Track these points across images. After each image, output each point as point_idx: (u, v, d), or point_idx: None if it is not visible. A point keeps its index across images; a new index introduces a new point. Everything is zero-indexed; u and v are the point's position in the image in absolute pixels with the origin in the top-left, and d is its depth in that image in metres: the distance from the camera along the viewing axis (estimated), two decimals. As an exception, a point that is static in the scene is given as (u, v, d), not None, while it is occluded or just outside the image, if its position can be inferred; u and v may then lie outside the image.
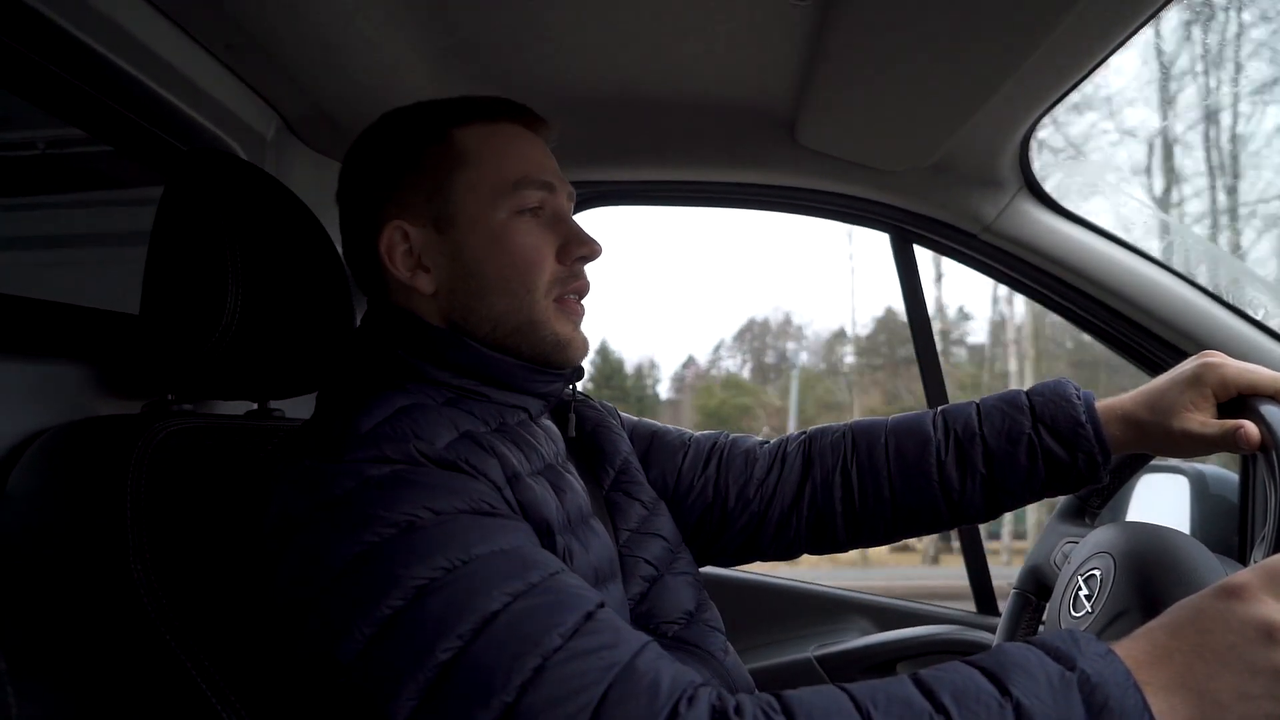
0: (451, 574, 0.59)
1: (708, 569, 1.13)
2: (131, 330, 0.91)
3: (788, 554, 1.04)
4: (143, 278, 0.90)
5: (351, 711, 0.59)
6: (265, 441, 0.88)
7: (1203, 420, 0.86)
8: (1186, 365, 0.89)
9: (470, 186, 0.81)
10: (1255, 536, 1.17)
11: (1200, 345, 1.26)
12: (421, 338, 0.80)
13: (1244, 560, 1.10)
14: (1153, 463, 1.34)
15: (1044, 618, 1.03)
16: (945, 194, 1.38)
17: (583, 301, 0.87)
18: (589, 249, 0.84)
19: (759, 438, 1.07)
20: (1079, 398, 0.92)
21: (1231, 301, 1.28)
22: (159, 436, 0.77)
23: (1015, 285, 1.43)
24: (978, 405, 0.97)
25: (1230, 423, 0.83)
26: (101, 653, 0.72)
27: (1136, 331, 1.34)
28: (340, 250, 0.93)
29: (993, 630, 1.15)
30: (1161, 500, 1.38)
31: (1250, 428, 0.81)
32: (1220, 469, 1.35)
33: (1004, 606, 1.16)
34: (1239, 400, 0.85)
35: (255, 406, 1.02)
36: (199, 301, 0.83)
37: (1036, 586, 1.10)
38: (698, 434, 1.07)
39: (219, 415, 0.94)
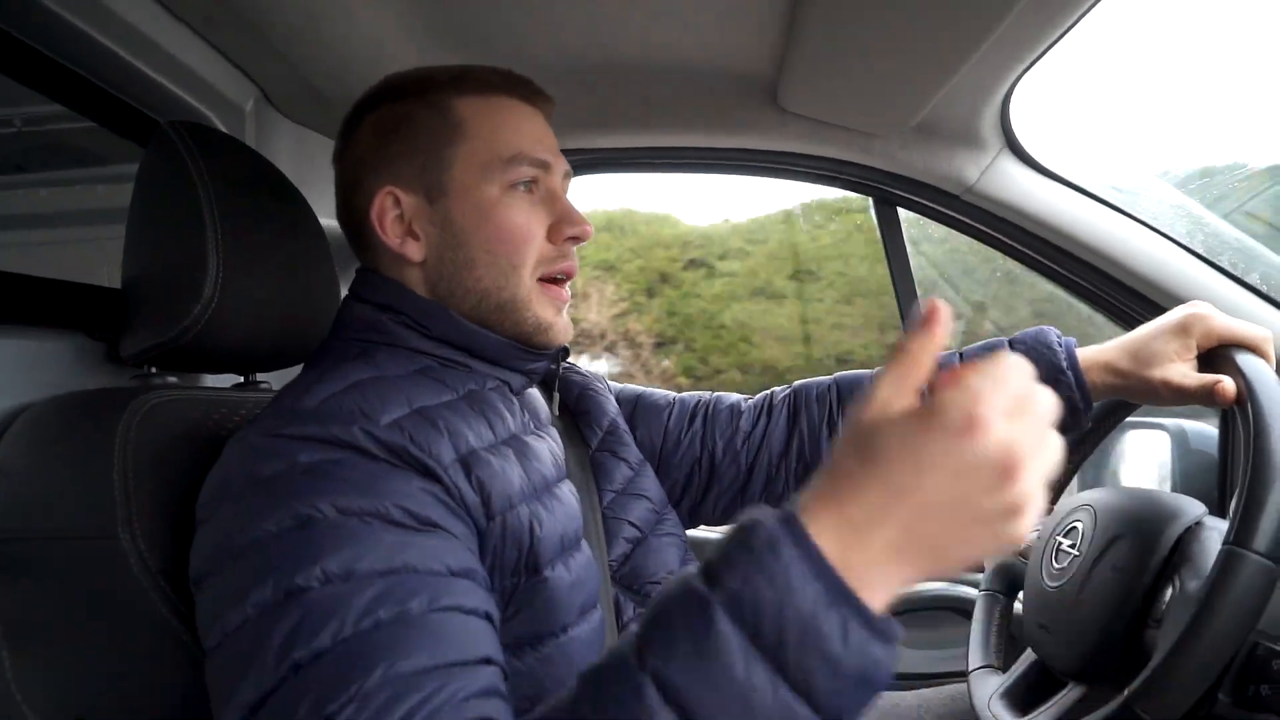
0: (324, 588, 0.58)
1: (697, 531, 1.14)
2: (115, 304, 0.91)
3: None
4: (123, 252, 0.90)
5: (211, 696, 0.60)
6: (251, 414, 0.89)
7: (1184, 371, 0.89)
8: (1174, 314, 0.92)
9: (464, 158, 0.81)
10: (1233, 490, 1.19)
11: (1182, 302, 1.27)
12: (409, 307, 0.81)
13: (1223, 512, 1.12)
14: (1136, 419, 1.36)
15: (1019, 598, 1.06)
16: (927, 156, 1.38)
17: (568, 285, 0.87)
18: (579, 230, 0.84)
19: (740, 395, 1.09)
20: (1060, 345, 0.94)
21: (1211, 257, 1.29)
22: (145, 408, 0.77)
23: (998, 245, 1.43)
24: (960, 354, 1.00)
25: (1209, 377, 0.86)
26: (94, 618, 0.73)
27: (1119, 290, 1.34)
28: (321, 221, 0.93)
29: (977, 586, 1.17)
30: (1144, 454, 1.40)
31: (1228, 383, 0.84)
32: (1201, 425, 1.37)
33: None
34: (1219, 351, 0.88)
35: (242, 380, 1.02)
36: (180, 275, 0.82)
37: (1005, 584, 1.13)
38: (682, 394, 1.09)
39: (205, 388, 0.94)
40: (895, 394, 0.49)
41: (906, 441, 0.46)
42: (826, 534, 0.45)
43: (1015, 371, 0.48)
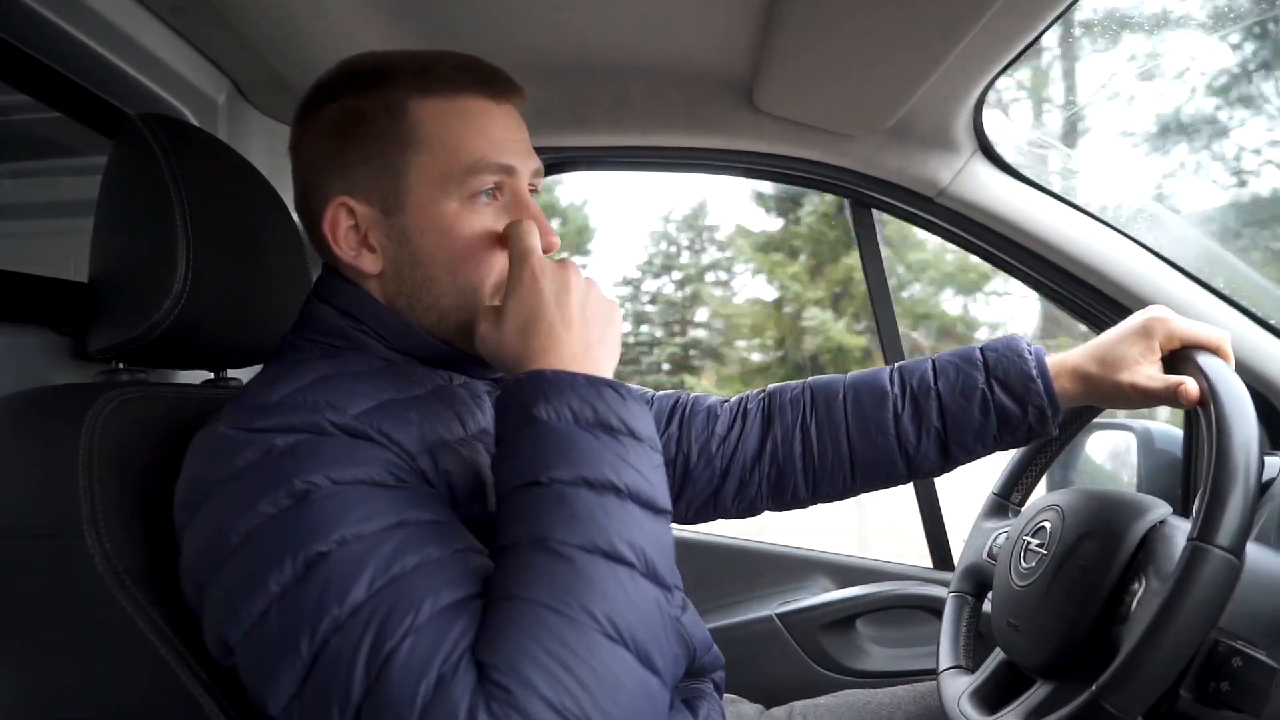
0: (341, 549, 0.59)
1: (672, 530, 1.13)
2: (81, 298, 0.90)
3: (749, 511, 1.05)
4: (90, 245, 0.88)
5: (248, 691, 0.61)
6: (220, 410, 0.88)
7: (1150, 374, 0.90)
8: (1135, 319, 0.93)
9: (421, 170, 0.76)
10: (1197, 489, 1.21)
11: (1150, 305, 1.29)
12: (369, 317, 0.79)
13: (1188, 512, 1.14)
14: (1103, 420, 1.38)
15: (989, 596, 1.07)
16: (901, 158, 1.39)
17: None
18: (545, 240, 0.77)
19: (719, 396, 1.09)
20: (1030, 353, 0.95)
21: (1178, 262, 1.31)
22: (111, 405, 0.76)
23: (971, 248, 1.45)
24: (933, 361, 1.00)
25: (1173, 379, 0.87)
26: (58, 618, 0.71)
27: (1089, 294, 1.36)
28: (294, 216, 0.91)
29: (948, 585, 1.18)
30: (1110, 455, 1.43)
31: (1191, 384, 0.85)
32: (1166, 426, 1.39)
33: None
34: (1181, 353, 0.90)
35: (212, 376, 1.01)
36: (148, 269, 0.81)
37: (974, 586, 1.14)
38: (659, 393, 1.08)
39: (174, 384, 0.93)
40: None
41: (519, 305, 0.71)
42: (548, 364, 0.68)
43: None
